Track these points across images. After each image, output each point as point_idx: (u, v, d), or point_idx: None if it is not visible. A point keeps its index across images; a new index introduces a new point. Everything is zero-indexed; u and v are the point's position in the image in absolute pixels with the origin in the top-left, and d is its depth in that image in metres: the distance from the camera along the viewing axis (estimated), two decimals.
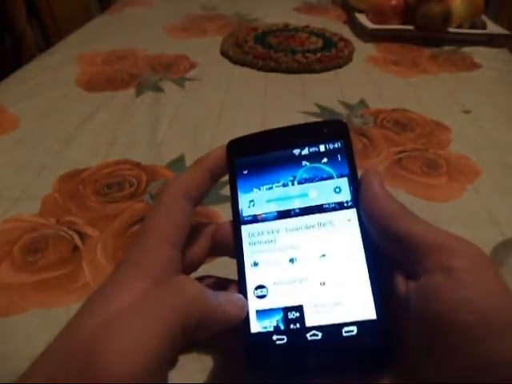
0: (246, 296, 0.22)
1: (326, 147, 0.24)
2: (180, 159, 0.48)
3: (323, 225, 0.22)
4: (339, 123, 0.24)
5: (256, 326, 0.22)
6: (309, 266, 0.22)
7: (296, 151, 0.24)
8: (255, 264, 0.23)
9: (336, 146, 0.24)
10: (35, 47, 1.15)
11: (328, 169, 0.23)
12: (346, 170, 0.23)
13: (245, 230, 0.24)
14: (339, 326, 0.20)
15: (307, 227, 0.23)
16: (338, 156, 0.23)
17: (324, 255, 0.22)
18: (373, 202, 0.21)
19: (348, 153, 0.23)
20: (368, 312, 0.20)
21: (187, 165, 0.47)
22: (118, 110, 0.59)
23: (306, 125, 0.25)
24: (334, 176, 0.23)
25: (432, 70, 0.75)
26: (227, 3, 1.09)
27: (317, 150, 0.24)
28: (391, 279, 0.21)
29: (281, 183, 0.24)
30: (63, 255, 0.36)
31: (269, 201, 0.24)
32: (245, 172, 0.24)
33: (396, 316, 0.20)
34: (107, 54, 0.77)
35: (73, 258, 0.35)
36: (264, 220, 0.23)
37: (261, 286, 0.22)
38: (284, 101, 0.63)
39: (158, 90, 0.65)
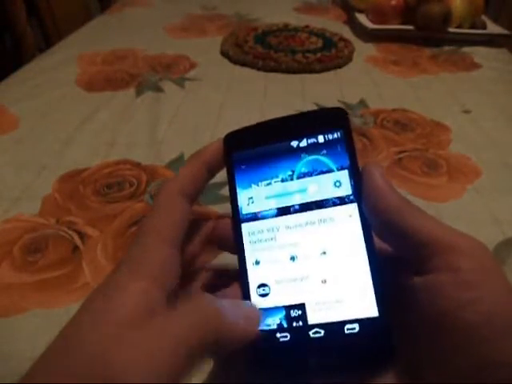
0: (248, 294, 0.22)
1: (324, 138, 0.23)
2: (180, 159, 0.48)
3: (323, 221, 0.22)
4: (338, 111, 0.23)
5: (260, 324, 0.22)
6: (310, 263, 0.22)
7: (294, 143, 0.23)
8: (257, 262, 0.23)
9: (335, 136, 0.23)
10: (35, 47, 1.15)
11: (327, 161, 0.22)
12: (347, 162, 0.22)
13: (245, 228, 0.23)
14: (341, 324, 0.20)
15: (307, 224, 0.22)
16: (338, 147, 0.22)
17: (325, 252, 0.22)
18: (376, 195, 0.20)
19: (348, 143, 0.22)
20: (370, 309, 0.20)
21: None
22: (118, 109, 0.59)
23: (304, 114, 0.24)
24: (334, 169, 0.22)
25: (432, 70, 0.75)
26: (227, 3, 1.09)
27: (315, 141, 0.23)
28: (395, 274, 0.21)
29: (279, 178, 0.23)
30: (63, 255, 0.36)
31: (268, 197, 0.23)
32: (243, 167, 0.24)
33: (399, 312, 0.20)
34: (107, 54, 0.77)
35: (73, 258, 0.35)
36: (264, 217, 0.23)
37: (263, 285, 0.22)
38: (284, 101, 0.63)
39: (158, 90, 0.65)
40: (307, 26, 0.89)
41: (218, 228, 0.24)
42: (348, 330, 0.20)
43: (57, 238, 0.37)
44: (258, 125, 0.24)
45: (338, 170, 0.22)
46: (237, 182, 0.24)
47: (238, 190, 0.24)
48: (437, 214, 0.41)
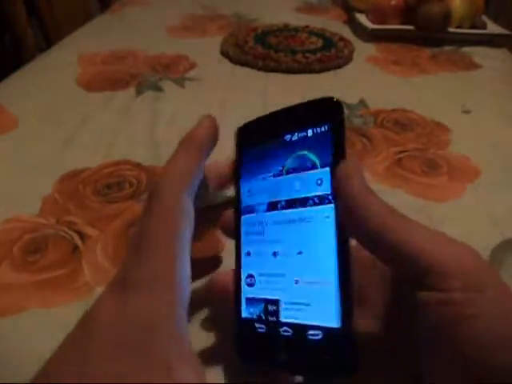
0: (239, 282, 0.23)
1: (313, 131, 0.22)
2: None
3: (302, 220, 0.21)
4: (330, 102, 0.22)
5: (245, 312, 0.23)
6: (287, 261, 0.22)
7: (287, 137, 0.23)
8: (248, 254, 0.24)
9: (323, 129, 0.22)
10: (35, 47, 1.15)
11: (313, 157, 0.22)
12: (329, 159, 0.21)
13: (243, 220, 0.24)
14: (306, 328, 0.20)
15: (290, 221, 0.22)
16: (325, 141, 0.21)
17: (300, 252, 0.21)
18: (355, 204, 0.19)
19: (334, 137, 0.21)
20: (332, 319, 0.19)
21: None
22: (118, 109, 0.59)
23: (298, 106, 0.24)
24: (318, 165, 0.21)
25: (432, 70, 0.75)
26: (227, 3, 1.09)
27: (305, 134, 0.22)
28: (391, 284, 0.20)
29: (271, 173, 0.23)
30: (63, 255, 0.36)
31: (262, 192, 0.24)
32: (247, 160, 0.25)
33: (400, 324, 0.20)
34: (107, 54, 0.77)
35: (73, 258, 0.35)
36: (257, 211, 0.24)
37: (250, 275, 0.23)
38: (284, 101, 0.62)
39: (158, 89, 0.65)
40: (307, 26, 0.89)
41: (225, 216, 0.25)
42: (311, 335, 0.19)
43: (57, 238, 0.37)
44: (267, 116, 0.25)
45: (321, 166, 0.21)
46: (241, 174, 0.25)
47: (241, 183, 0.25)
48: (436, 214, 0.41)
